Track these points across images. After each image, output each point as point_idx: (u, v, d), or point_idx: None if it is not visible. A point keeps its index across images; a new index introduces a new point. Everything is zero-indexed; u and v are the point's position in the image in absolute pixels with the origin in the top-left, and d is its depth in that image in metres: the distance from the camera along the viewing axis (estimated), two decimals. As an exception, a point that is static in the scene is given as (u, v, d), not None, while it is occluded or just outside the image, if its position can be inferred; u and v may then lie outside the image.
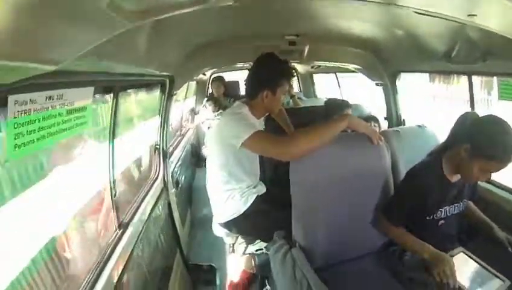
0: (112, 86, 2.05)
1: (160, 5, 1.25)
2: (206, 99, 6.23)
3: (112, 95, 2.10)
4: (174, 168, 3.95)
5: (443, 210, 2.13)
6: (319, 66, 5.82)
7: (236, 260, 3.06)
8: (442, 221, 2.15)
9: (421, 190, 2.07)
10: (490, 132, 1.87)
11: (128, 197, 2.68)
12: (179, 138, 5.36)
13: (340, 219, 2.17)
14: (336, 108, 3.21)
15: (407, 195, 2.14)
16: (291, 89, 4.77)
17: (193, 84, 6.61)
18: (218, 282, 3.33)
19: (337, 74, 6.39)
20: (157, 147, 3.35)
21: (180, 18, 1.76)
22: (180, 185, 4.04)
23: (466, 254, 1.99)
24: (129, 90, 2.62)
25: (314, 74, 6.92)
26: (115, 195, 2.23)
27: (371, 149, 2.21)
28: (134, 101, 3.03)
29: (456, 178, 2.11)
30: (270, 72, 2.46)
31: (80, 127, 1.48)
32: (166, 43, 2.36)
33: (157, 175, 3.30)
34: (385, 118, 4.17)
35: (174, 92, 3.32)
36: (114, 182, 2.23)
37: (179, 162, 4.36)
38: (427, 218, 2.12)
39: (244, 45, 3.19)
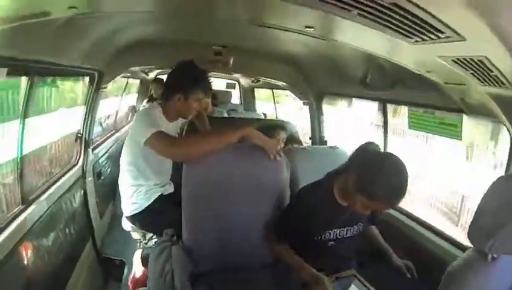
0: (27, 71, 2.15)
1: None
2: (146, 100, 6.28)
3: (27, 78, 2.21)
4: (98, 159, 4.00)
5: (331, 232, 2.10)
6: (258, 80, 6.03)
7: (140, 255, 3.10)
8: (332, 243, 2.11)
9: (308, 210, 2.06)
10: (377, 170, 1.82)
11: (38, 177, 2.77)
12: (112, 132, 5.37)
13: (229, 227, 2.22)
14: (269, 128, 3.29)
15: (294, 213, 2.14)
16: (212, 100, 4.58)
17: (136, 82, 6.69)
18: (124, 277, 3.37)
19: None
20: (79, 135, 3.40)
21: (106, 16, 1.92)
22: (102, 177, 4.07)
23: (357, 278, 1.99)
24: (50, 78, 2.77)
25: (255, 88, 7.13)
26: (21, 170, 2.32)
27: (269, 163, 2.23)
28: (60, 89, 3.14)
29: (347, 203, 2.07)
30: (185, 79, 2.54)
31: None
32: (91, 38, 2.48)
33: (77, 162, 3.36)
34: (310, 138, 4.36)
35: (103, 86, 3.42)
36: (21, 158, 2.32)
37: (106, 155, 4.39)
38: (315, 238, 2.10)
39: (172, 50, 3.28)
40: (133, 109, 6.77)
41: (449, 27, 1.22)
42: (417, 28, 1.32)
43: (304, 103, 4.29)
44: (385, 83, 2.75)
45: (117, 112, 5.92)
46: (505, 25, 1.10)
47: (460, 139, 2.44)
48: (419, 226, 2.66)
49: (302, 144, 3.65)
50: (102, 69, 3.16)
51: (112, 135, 5.21)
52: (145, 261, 2.73)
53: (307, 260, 2.04)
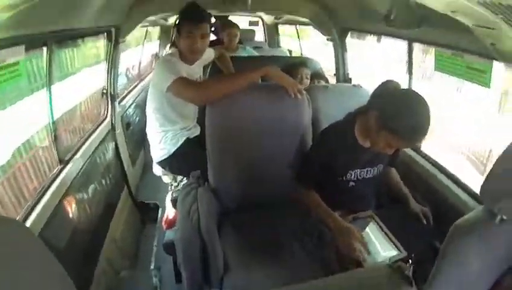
0: (44, 42, 2.20)
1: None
2: (169, 45, 6.19)
3: (45, 49, 2.26)
4: (126, 111, 4.10)
5: (353, 173, 2.17)
6: (281, 17, 5.88)
7: (171, 198, 3.24)
8: (353, 183, 2.19)
9: (330, 151, 2.11)
10: (400, 106, 1.85)
11: (71, 137, 2.94)
12: (137, 82, 5.43)
13: (252, 166, 2.29)
14: (292, 65, 3.32)
15: (317, 155, 2.20)
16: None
17: (156, 29, 6.64)
18: (159, 218, 3.55)
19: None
20: (105, 91, 3.50)
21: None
22: (131, 127, 4.19)
23: (374, 219, 2.02)
24: (69, 42, 2.82)
25: (279, 25, 6.99)
26: (55, 134, 2.45)
27: (290, 101, 2.28)
28: (79, 51, 3.18)
29: (369, 143, 2.11)
30: (178, 16, 2.59)
31: (13, 80, 1.69)
32: None
33: (105, 117, 3.47)
34: (334, 74, 4.28)
35: (122, 40, 3.43)
36: (54, 123, 2.44)
37: (133, 105, 4.49)
38: (338, 179, 2.17)
39: None
40: (156, 56, 6.77)
41: None
42: None
43: (328, 39, 4.16)
44: (411, 21, 2.65)
45: (140, 62, 5.93)
46: None
47: (489, 87, 2.34)
48: (440, 174, 2.63)
49: (327, 81, 3.63)
50: (118, 23, 3.18)
51: (137, 84, 5.28)
52: (175, 203, 2.84)
53: (327, 199, 2.13)
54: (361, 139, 2.13)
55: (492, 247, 1.20)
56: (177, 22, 2.55)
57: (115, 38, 3.33)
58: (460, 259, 1.19)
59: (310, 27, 4.93)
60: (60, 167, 2.43)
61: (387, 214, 2.11)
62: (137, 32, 4.26)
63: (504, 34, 1.76)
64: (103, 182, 3.09)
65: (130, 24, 3.41)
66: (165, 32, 6.72)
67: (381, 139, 1.93)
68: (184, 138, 2.77)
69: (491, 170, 1.26)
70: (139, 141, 4.49)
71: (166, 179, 3.17)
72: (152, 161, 2.93)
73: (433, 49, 2.69)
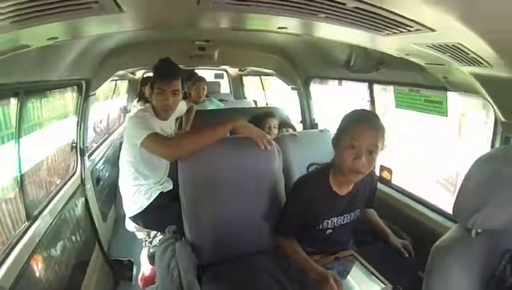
0: (15, 92, 2.21)
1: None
2: (136, 99, 6.26)
3: (16, 99, 2.27)
4: (95, 165, 4.04)
5: (329, 221, 2.14)
6: (245, 69, 6.04)
7: (147, 254, 3.17)
8: (330, 230, 2.17)
9: (306, 201, 2.09)
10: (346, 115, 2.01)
11: (39, 191, 2.85)
12: (105, 136, 5.38)
13: (228, 218, 2.26)
14: (259, 116, 3.37)
15: (293, 206, 2.18)
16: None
17: (125, 83, 6.67)
18: (134, 276, 3.46)
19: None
20: (74, 145, 3.47)
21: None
22: (101, 182, 4.12)
23: (356, 257, 2.07)
24: (39, 94, 2.81)
25: (243, 76, 7.16)
26: (22, 188, 2.39)
27: (260, 153, 2.28)
28: (49, 103, 3.20)
29: (345, 190, 2.12)
30: (152, 73, 2.66)
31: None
32: (75, 50, 2.51)
33: (74, 172, 3.42)
34: (300, 122, 4.40)
35: (92, 93, 3.45)
36: (22, 176, 2.39)
37: (103, 159, 4.43)
38: (315, 228, 2.14)
39: (157, 49, 3.26)
40: (125, 110, 6.76)
41: (416, 22, 1.26)
42: (385, 24, 1.36)
43: (292, 88, 4.32)
44: (369, 65, 2.79)
45: (109, 116, 5.93)
46: (471, 14, 1.14)
47: (446, 116, 2.47)
48: (414, 202, 2.72)
49: (294, 128, 3.67)
50: (89, 77, 3.20)
51: (106, 138, 5.23)
52: (151, 259, 2.82)
53: (305, 245, 2.13)
54: (337, 187, 2.11)
55: (473, 260, 1.25)
56: (144, 76, 2.61)
57: (85, 91, 3.32)
58: (444, 278, 1.24)
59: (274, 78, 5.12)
60: (27, 223, 2.36)
61: (369, 251, 2.17)
62: (106, 85, 4.31)
63: (453, 68, 1.90)
64: (73, 239, 3.00)
65: (100, 78, 3.46)
66: (133, 85, 6.75)
67: (343, 151, 1.92)
68: (158, 192, 2.76)
69: (459, 190, 1.33)
70: (109, 196, 4.42)
71: (140, 234, 3.14)
72: (124, 216, 2.89)
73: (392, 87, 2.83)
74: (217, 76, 7.34)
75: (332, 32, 1.87)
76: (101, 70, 3.36)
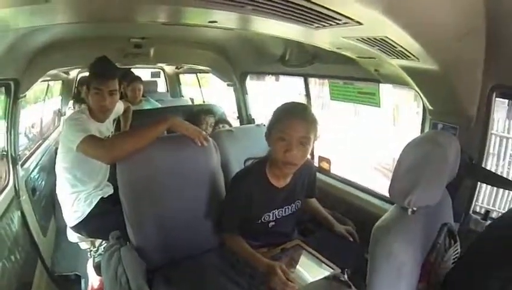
0: None
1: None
2: (71, 101, 6.02)
3: None
4: (30, 175, 3.82)
5: (271, 214, 2.15)
6: (182, 66, 6.00)
7: (93, 265, 3.05)
8: (273, 223, 2.17)
9: (245, 195, 2.10)
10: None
11: None
12: (39, 142, 5.07)
13: (171, 218, 2.23)
14: (195, 113, 3.39)
15: (232, 200, 2.18)
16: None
17: (57, 84, 6.37)
18: None
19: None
20: (5, 153, 3.25)
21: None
22: (38, 192, 3.89)
23: (302, 247, 2.09)
24: None
25: (180, 75, 7.11)
26: None
27: (197, 149, 2.27)
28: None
29: (283, 183, 2.13)
30: (88, 72, 2.58)
31: None
32: (2, 46, 2.35)
33: (7, 183, 3.18)
34: (237, 117, 4.44)
35: (22, 95, 3.24)
36: None
37: (38, 167, 4.19)
38: (256, 221, 2.14)
39: (91, 47, 3.16)
40: (59, 113, 6.46)
41: (343, 15, 1.32)
42: (313, 17, 1.41)
43: (228, 85, 4.35)
44: (303, 59, 2.88)
45: (42, 119, 5.67)
46: (395, 8, 1.21)
47: (379, 106, 2.58)
48: (353, 189, 2.85)
49: (230, 124, 3.70)
50: (17, 77, 3.01)
51: (40, 145, 4.94)
52: (98, 269, 2.70)
53: (250, 239, 2.12)
54: (274, 180, 2.12)
55: (412, 236, 1.32)
56: (78, 77, 2.52)
57: (14, 93, 3.09)
58: (387, 255, 1.28)
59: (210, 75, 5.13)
60: None
61: (314, 239, 2.21)
62: (38, 87, 4.12)
63: (384, 61, 1.99)
64: (12, 258, 2.78)
65: (30, 78, 3.25)
66: (67, 86, 6.47)
67: (275, 144, 1.96)
68: (98, 198, 2.65)
69: (393, 172, 1.40)
70: (47, 207, 4.16)
71: (84, 245, 2.99)
72: (65, 227, 2.78)
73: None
74: (153, 75, 7.23)
75: (263, 26, 1.91)
76: (30, 70, 3.16)
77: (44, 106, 5.77)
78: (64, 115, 6.18)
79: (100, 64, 2.51)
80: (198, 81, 6.89)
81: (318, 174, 2.69)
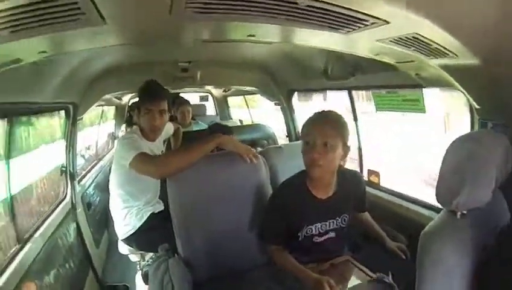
0: (5, 113, 2.26)
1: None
2: (124, 125, 6.28)
3: (5, 121, 2.31)
4: (86, 190, 4.03)
5: (313, 227, 2.10)
6: (230, 89, 6.13)
7: (141, 275, 3.06)
8: (317, 237, 2.12)
9: (284, 207, 2.09)
10: None
11: (30, 215, 2.82)
12: (95, 162, 5.38)
13: (220, 233, 2.26)
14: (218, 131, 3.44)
15: (272, 211, 2.17)
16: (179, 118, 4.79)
17: (112, 109, 6.68)
18: None
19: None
20: (64, 169, 3.48)
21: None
22: (93, 207, 4.10)
23: (351, 262, 2.05)
24: (28, 117, 2.87)
25: (228, 97, 7.26)
26: (12, 211, 2.41)
27: (247, 166, 2.31)
28: (37, 126, 3.24)
29: (325, 194, 2.10)
30: (138, 94, 2.73)
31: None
32: (63, 72, 2.57)
33: (65, 196, 3.41)
34: (286, 136, 4.47)
35: (80, 117, 3.49)
36: (12, 198, 2.41)
37: (93, 185, 4.42)
38: (298, 234, 2.10)
39: (142, 73, 3.30)
40: (112, 136, 6.76)
41: (369, 15, 1.34)
42: (340, 20, 1.45)
43: (275, 104, 4.40)
44: (345, 72, 2.88)
45: (97, 142, 5.93)
46: (420, 2, 1.22)
47: (424, 112, 2.56)
48: (404, 201, 2.77)
49: (277, 143, 3.81)
50: (76, 101, 3.25)
51: (96, 164, 5.23)
52: (146, 278, 2.66)
53: (297, 255, 2.08)
54: (315, 191, 2.09)
55: (462, 241, 1.29)
56: (129, 102, 2.64)
57: (73, 115, 3.38)
58: (436, 262, 1.27)
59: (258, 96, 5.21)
60: (18, 246, 2.34)
61: (365, 255, 2.15)
62: (93, 112, 4.35)
63: (424, 64, 1.98)
64: (66, 265, 2.95)
65: (87, 102, 3.50)
66: (120, 111, 6.77)
67: (302, 150, 2.01)
68: (149, 213, 2.77)
69: (439, 174, 1.38)
70: (101, 221, 4.38)
71: (134, 257, 3.10)
72: (117, 241, 2.90)
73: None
74: (202, 99, 7.41)
75: (298, 36, 1.95)
76: (87, 95, 3.41)
77: (100, 129, 6.04)
78: (118, 138, 6.36)
79: (149, 86, 2.65)
80: (246, 102, 7.03)
81: (368, 188, 2.68)
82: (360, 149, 3.48)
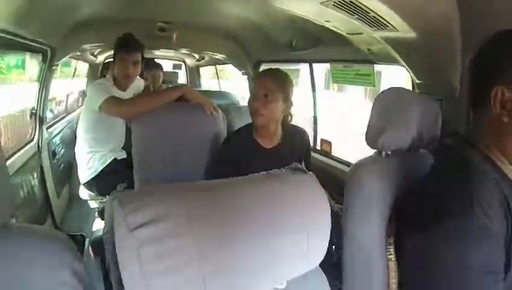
0: None
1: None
2: None
3: None
4: (53, 138, 4.09)
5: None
6: (203, 58, 6.24)
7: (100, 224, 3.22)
8: None
9: (230, 156, 2.19)
10: None
11: None
12: (64, 115, 5.37)
13: (175, 175, 2.20)
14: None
15: (220, 161, 2.27)
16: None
17: (85, 66, 6.61)
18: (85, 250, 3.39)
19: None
20: (34, 111, 3.53)
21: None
22: (57, 157, 4.17)
23: None
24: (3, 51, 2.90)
25: (200, 67, 7.35)
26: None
27: (206, 118, 2.43)
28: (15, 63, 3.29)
29: (269, 143, 2.23)
30: (115, 45, 2.86)
31: None
32: (45, 14, 2.61)
33: (32, 138, 3.46)
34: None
35: (56, 63, 3.55)
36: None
37: (60, 135, 4.46)
38: None
39: (120, 27, 3.30)
40: (83, 94, 6.60)
41: None
42: None
43: (243, 73, 4.60)
44: (308, 44, 3.09)
45: (67, 96, 5.96)
46: None
47: (374, 86, 2.78)
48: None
49: None
50: (54, 45, 3.27)
51: (64, 117, 5.24)
52: (102, 215, 2.86)
53: None
54: (260, 139, 2.21)
55: (384, 176, 1.39)
56: (105, 61, 2.72)
57: (50, 59, 3.39)
58: (360, 188, 1.38)
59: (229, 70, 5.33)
60: None
61: None
62: (66, 68, 4.37)
63: (373, 39, 2.20)
64: (26, 205, 3.05)
65: (65, 48, 3.55)
66: (93, 69, 6.66)
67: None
68: (112, 158, 2.91)
69: (369, 120, 1.52)
70: (64, 173, 4.44)
71: (93, 203, 3.22)
72: (78, 196, 3.03)
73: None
74: (175, 66, 7.48)
75: None
76: (66, 42, 3.44)
77: (72, 84, 6.06)
78: None
79: (126, 38, 2.79)
80: (217, 72, 7.17)
81: (320, 157, 2.88)
82: (315, 118, 3.75)
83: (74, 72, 5.97)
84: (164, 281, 0.74)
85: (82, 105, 6.02)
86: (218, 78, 7.26)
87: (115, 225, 0.76)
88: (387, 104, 1.47)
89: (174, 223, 0.75)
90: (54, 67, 3.53)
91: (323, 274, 1.17)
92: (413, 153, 1.46)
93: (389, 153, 1.45)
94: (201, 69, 7.35)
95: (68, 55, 3.81)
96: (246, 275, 0.85)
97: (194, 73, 7.36)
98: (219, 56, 4.89)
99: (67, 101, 5.90)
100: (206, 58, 6.12)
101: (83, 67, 6.49)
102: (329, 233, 0.99)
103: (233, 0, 2.69)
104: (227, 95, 4.27)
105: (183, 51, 5.61)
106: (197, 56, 6.24)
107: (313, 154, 3.05)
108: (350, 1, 1.77)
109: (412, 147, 1.45)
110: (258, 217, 0.86)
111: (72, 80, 5.95)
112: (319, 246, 0.98)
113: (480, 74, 1.12)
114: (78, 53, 4.85)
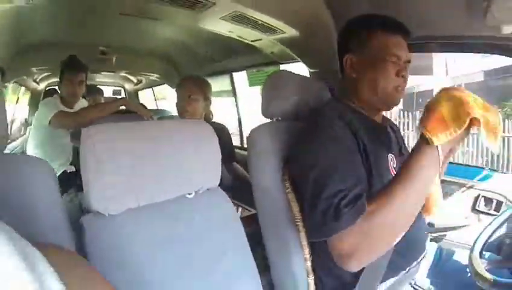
0: None
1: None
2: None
3: None
4: None
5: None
6: (140, 81, 6.59)
7: None
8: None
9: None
10: None
11: None
12: (8, 141, 5.22)
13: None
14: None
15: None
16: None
17: (27, 95, 6.55)
18: None
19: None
20: None
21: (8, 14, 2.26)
22: None
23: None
24: None
25: (139, 91, 7.60)
26: None
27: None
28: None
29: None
30: (61, 67, 3.10)
31: None
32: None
33: None
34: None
35: (4, 85, 3.66)
36: None
37: None
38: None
39: (66, 51, 3.41)
40: (25, 123, 6.58)
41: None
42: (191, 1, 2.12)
43: (176, 90, 4.85)
44: (226, 55, 3.56)
45: (12, 122, 5.91)
46: None
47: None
48: None
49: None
50: (3, 66, 3.28)
51: (9, 143, 4.90)
52: None
53: None
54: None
55: (276, 137, 1.56)
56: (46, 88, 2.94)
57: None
58: (259, 147, 1.57)
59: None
60: None
61: (236, 192, 2.28)
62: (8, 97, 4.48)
63: (270, 42, 2.61)
64: None
65: (13, 71, 3.58)
66: (35, 98, 6.49)
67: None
68: (61, 171, 3.05)
69: (261, 98, 1.76)
70: None
71: None
72: None
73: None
74: (115, 92, 7.68)
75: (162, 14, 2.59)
76: (14, 65, 3.50)
77: (15, 111, 6.06)
78: (31, 124, 6.15)
79: (71, 60, 3.09)
80: (154, 93, 7.58)
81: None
82: (239, 119, 4.24)
83: (17, 100, 6.05)
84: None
85: (24, 134, 6.06)
86: (155, 100, 7.69)
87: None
88: (275, 82, 1.74)
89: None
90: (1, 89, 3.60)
91: (224, 193, 1.50)
92: (301, 121, 1.60)
93: (279, 119, 1.70)
94: (140, 93, 7.65)
95: (16, 77, 4.04)
96: (168, 182, 1.32)
97: (132, 97, 7.56)
98: (155, 76, 5.27)
99: (11, 128, 5.83)
100: (144, 81, 6.44)
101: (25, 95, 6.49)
102: (219, 161, 1.48)
103: (165, 24, 3.04)
104: (163, 111, 4.59)
105: (122, 73, 5.78)
106: (135, 80, 6.51)
107: (241, 151, 3.48)
108: (241, 14, 2.15)
109: (298, 115, 1.69)
110: (172, 142, 1.36)
111: (15, 107, 6.04)
112: (213, 169, 1.46)
113: (339, 49, 1.56)
114: (25, 77, 4.96)
